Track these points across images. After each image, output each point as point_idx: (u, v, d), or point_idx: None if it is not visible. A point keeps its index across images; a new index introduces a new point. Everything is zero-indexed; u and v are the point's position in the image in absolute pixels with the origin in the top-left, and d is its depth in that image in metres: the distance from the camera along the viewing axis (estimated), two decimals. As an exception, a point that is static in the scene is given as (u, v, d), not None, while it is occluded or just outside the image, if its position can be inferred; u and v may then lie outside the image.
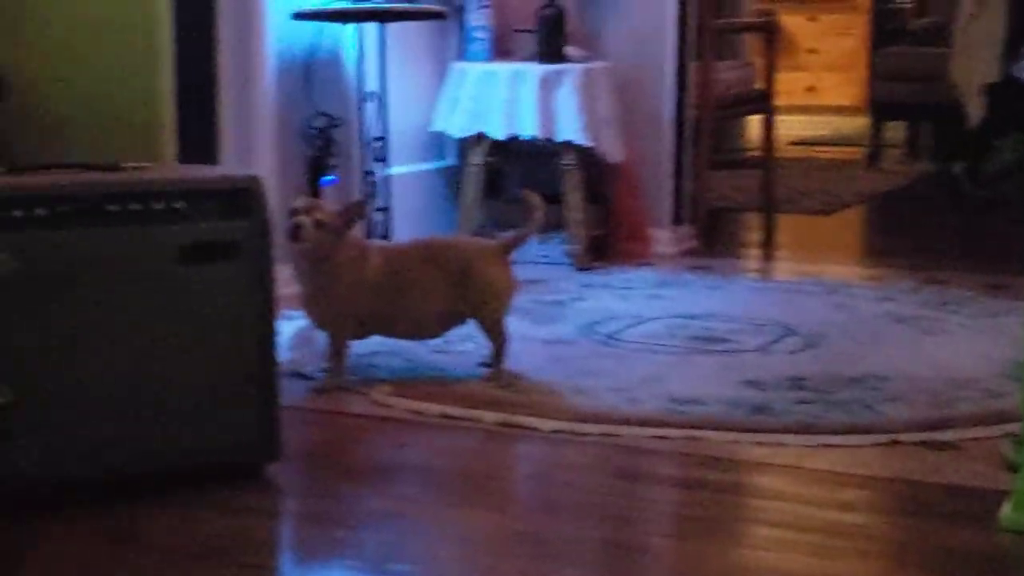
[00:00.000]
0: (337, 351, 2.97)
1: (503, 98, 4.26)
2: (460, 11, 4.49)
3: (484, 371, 3.06)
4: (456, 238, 3.42)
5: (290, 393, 2.85)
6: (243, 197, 2.38)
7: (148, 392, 2.28)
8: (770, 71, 5.16)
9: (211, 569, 2.02)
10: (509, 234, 3.13)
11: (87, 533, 2.13)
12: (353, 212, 2.94)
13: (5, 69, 2.86)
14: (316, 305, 2.95)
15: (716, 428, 2.65)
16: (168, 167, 2.70)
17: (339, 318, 2.95)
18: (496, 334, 3.04)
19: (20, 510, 1.81)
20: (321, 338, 3.05)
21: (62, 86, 2.86)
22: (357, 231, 3.08)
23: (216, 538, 2.14)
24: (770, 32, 5.20)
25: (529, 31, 4.41)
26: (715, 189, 5.91)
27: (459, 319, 3.05)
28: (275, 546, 2.23)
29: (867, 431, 2.62)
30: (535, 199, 3.12)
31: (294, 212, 2.88)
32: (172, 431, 2.31)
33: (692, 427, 2.65)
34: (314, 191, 3.90)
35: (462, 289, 2.99)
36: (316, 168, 3.90)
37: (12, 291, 2.15)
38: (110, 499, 2.24)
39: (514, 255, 3.11)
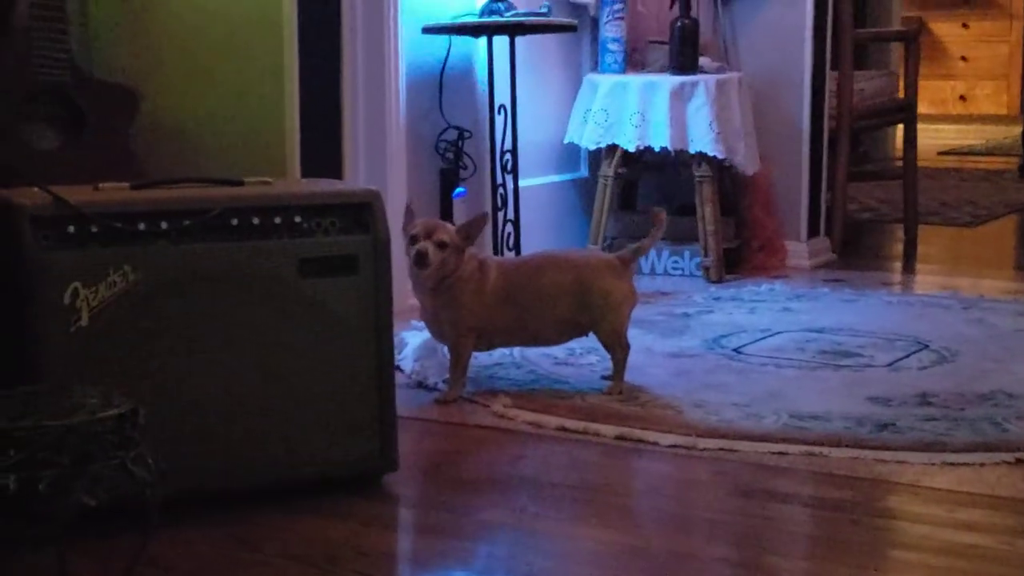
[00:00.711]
0: (458, 364, 2.99)
1: (635, 110, 4.26)
2: (593, 23, 4.49)
3: (606, 384, 3.05)
4: (575, 250, 3.42)
5: (411, 404, 2.90)
6: (363, 212, 2.41)
7: (268, 403, 2.33)
8: (913, 80, 5.05)
9: (326, 575, 2.06)
10: (628, 248, 3.13)
11: (206, 539, 2.19)
12: (474, 228, 2.96)
13: (136, 85, 2.97)
14: (438, 320, 2.99)
15: (837, 445, 2.60)
16: (290, 182, 2.76)
17: (461, 332, 2.98)
18: (615, 347, 3.03)
19: (140, 518, 1.87)
20: (444, 350, 3.08)
21: (190, 102, 2.96)
22: (479, 245, 3.11)
23: (334, 546, 2.17)
24: (911, 40, 5.08)
25: (663, 42, 4.40)
26: (856, 200, 5.81)
27: (579, 330, 3.05)
28: (391, 556, 2.25)
29: (992, 449, 2.54)
30: (661, 217, 3.11)
31: (414, 239, 2.90)
32: (291, 442, 2.35)
33: (813, 443, 2.61)
34: (445, 203, 3.94)
35: (581, 301, 3.00)
36: (447, 180, 3.95)
37: (135, 303, 2.22)
38: (230, 507, 2.29)
39: (635, 267, 3.10)
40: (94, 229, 2.21)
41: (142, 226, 2.24)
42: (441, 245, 2.89)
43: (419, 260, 2.87)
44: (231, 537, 2.20)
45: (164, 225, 2.25)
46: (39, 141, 2.91)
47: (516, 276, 3.03)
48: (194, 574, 2.06)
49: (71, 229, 2.19)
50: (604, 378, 3.10)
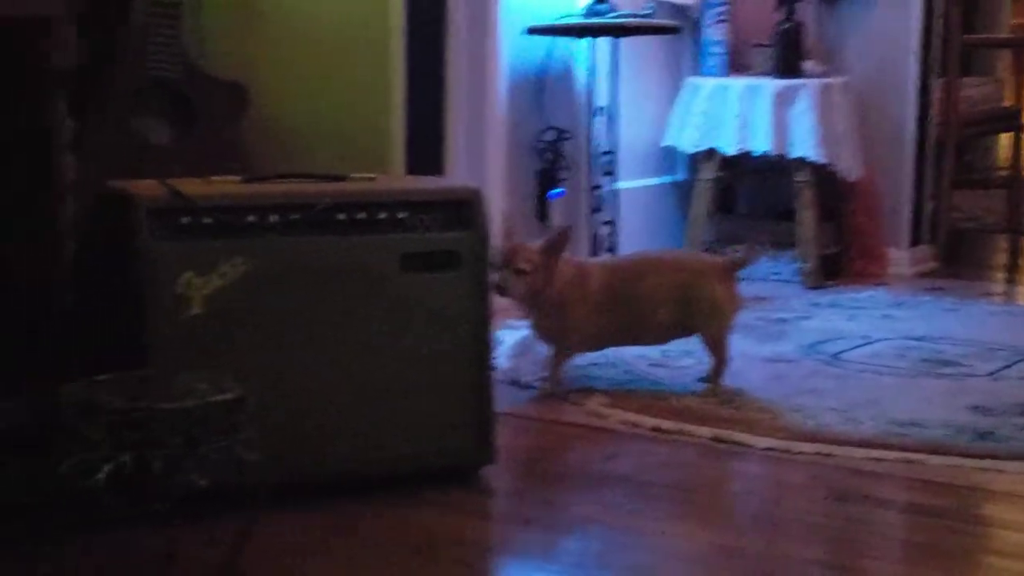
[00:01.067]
0: (558, 363, 3.02)
1: (736, 113, 4.25)
2: (695, 25, 4.49)
3: (702, 386, 3.06)
4: (684, 253, 3.42)
5: (507, 400, 2.93)
6: (465, 209, 2.45)
7: (369, 394, 2.37)
8: (1021, 88, 4.97)
9: (423, 565, 2.10)
10: (737, 254, 3.14)
11: (308, 524, 2.24)
12: (558, 244, 2.94)
13: (246, 82, 3.04)
14: (542, 327, 3.01)
15: (935, 452, 2.58)
16: (394, 178, 2.81)
17: (567, 337, 3.00)
18: (718, 351, 3.04)
19: (245, 501, 1.92)
20: (540, 348, 3.11)
21: (298, 100, 3.02)
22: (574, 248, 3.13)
23: (430, 536, 2.21)
24: (1021, 47, 5.00)
25: (766, 45, 4.38)
26: (960, 209, 5.73)
27: (683, 332, 3.06)
28: (487, 546, 2.28)
29: (1095, 461, 2.51)
30: (755, 248, 3.23)
31: (494, 266, 2.83)
32: (391, 433, 2.39)
33: (911, 450, 2.59)
34: (542, 204, 3.97)
35: (686, 305, 3.01)
36: (544, 181, 3.98)
37: (244, 293, 2.28)
38: (331, 494, 2.34)
39: (740, 273, 3.11)
40: (207, 221, 2.27)
41: (252, 219, 2.30)
42: (520, 272, 2.89)
43: (499, 291, 2.86)
44: (333, 523, 2.25)
45: (273, 218, 2.31)
46: (152, 135, 2.99)
47: (620, 279, 3.04)
48: (295, 557, 2.12)
49: (184, 220, 2.26)
50: (700, 380, 3.10)
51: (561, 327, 2.99)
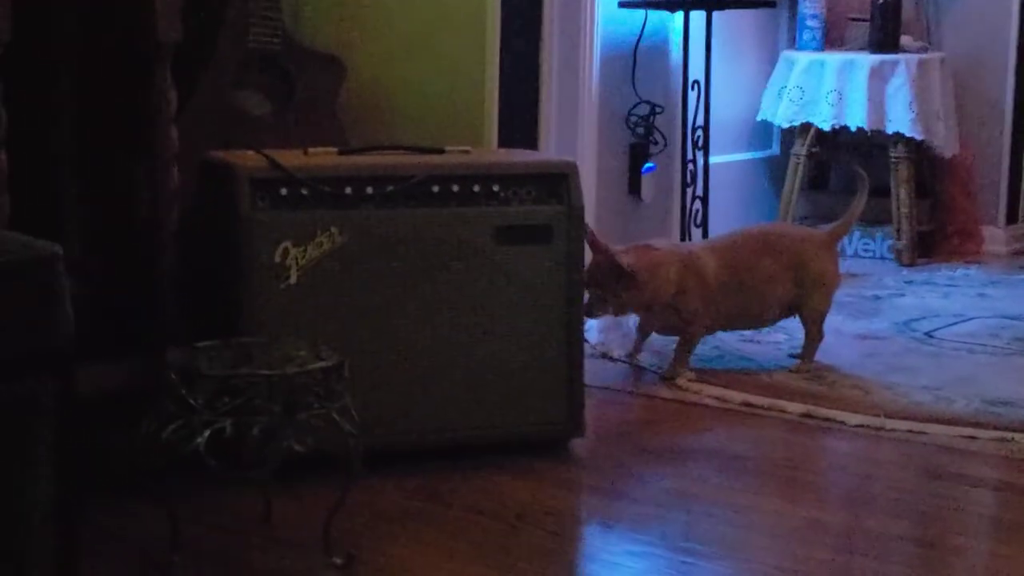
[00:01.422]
0: (686, 347, 2.96)
1: (832, 88, 4.21)
2: None
3: (793, 362, 3.05)
4: (787, 227, 3.38)
5: (597, 374, 2.95)
6: (558, 182, 2.47)
7: (461, 365, 2.41)
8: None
9: (513, 534, 2.13)
10: (835, 223, 3.12)
11: (401, 491, 2.28)
12: (593, 245, 2.79)
13: (342, 55, 3.07)
14: (661, 324, 2.99)
15: (1029, 432, 2.56)
16: (488, 152, 2.84)
17: (694, 323, 2.93)
18: (815, 327, 3.03)
19: (341, 468, 1.97)
20: (629, 323, 3.13)
21: (394, 73, 3.05)
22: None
23: (518, 504, 2.25)
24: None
25: (863, 20, 4.33)
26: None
27: (792, 310, 3.03)
28: (577, 516, 2.31)
29: None
30: (863, 180, 3.09)
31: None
32: (483, 403, 2.43)
33: (1005, 429, 2.57)
34: (634, 177, 3.97)
35: (797, 278, 2.98)
36: (636, 155, 3.98)
37: (340, 263, 2.33)
38: (424, 463, 2.39)
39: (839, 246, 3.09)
40: (304, 192, 2.32)
41: (348, 190, 2.34)
42: (601, 300, 2.82)
43: (588, 313, 2.79)
44: (424, 490, 2.29)
45: (369, 190, 2.35)
46: (252, 107, 3.04)
47: (736, 260, 2.98)
48: (389, 523, 2.16)
49: (283, 191, 2.31)
50: (791, 356, 3.10)
51: (688, 321, 2.93)
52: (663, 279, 2.87)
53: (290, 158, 2.37)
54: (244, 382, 1.87)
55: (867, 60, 4.17)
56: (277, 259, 2.29)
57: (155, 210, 2.34)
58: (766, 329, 3.22)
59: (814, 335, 3.03)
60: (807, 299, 3.00)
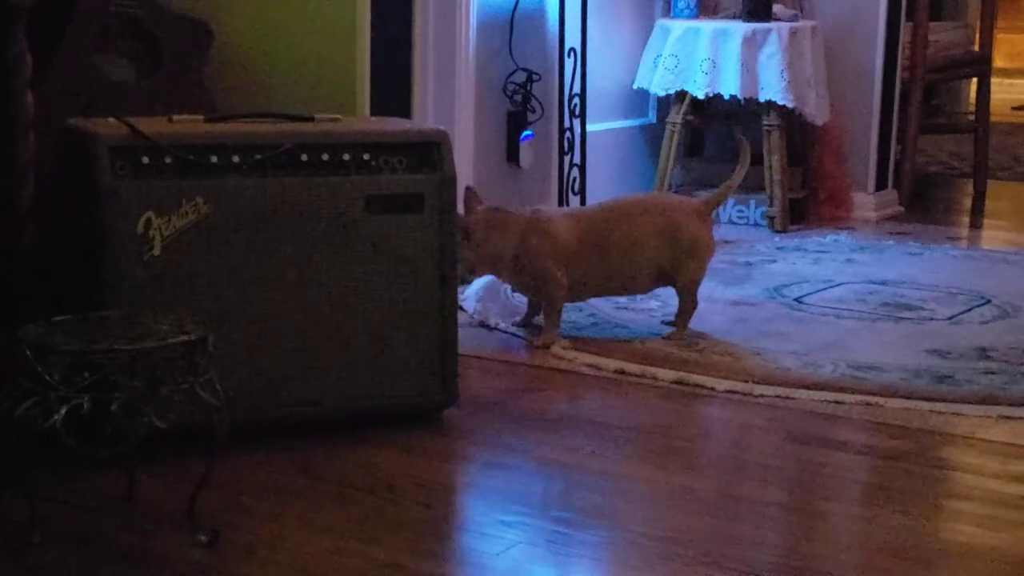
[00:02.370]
0: (549, 316, 2.99)
1: (706, 56, 4.24)
2: (666, -32, 4.47)
3: (667, 330, 3.08)
4: (662, 195, 3.40)
5: (473, 343, 2.94)
6: (430, 151, 2.45)
7: (332, 336, 2.38)
8: (988, 33, 4.98)
9: (381, 504, 2.11)
10: (711, 192, 3.14)
11: (270, 466, 2.25)
12: (466, 203, 2.93)
13: (209, 20, 3.00)
14: (520, 286, 3.03)
15: (893, 395, 2.61)
16: (359, 120, 2.79)
17: (545, 291, 2.97)
18: (688, 295, 3.05)
19: (206, 443, 1.93)
20: (506, 291, 3.12)
21: (261, 38, 2.99)
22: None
23: (389, 476, 2.23)
24: (990, -8, 5.01)
25: (736, -11, 4.37)
26: (927, 153, 5.76)
27: (665, 277, 3.04)
28: (450, 487, 2.30)
29: (1049, 406, 2.55)
30: (746, 148, 3.11)
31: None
32: (355, 375, 2.40)
33: (869, 393, 2.62)
34: (512, 145, 3.96)
35: (668, 246, 3.00)
36: (514, 123, 3.96)
37: (206, 234, 2.28)
38: (293, 436, 2.35)
39: (714, 214, 3.12)
40: (168, 160, 2.26)
41: (214, 159, 2.29)
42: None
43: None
44: (294, 464, 2.26)
45: (236, 158, 2.30)
46: (115, 73, 2.96)
47: (597, 224, 3.00)
48: (257, 499, 2.13)
49: (146, 160, 2.25)
50: (664, 323, 3.12)
51: (531, 277, 2.96)
52: (502, 238, 2.92)
53: (153, 125, 2.31)
54: (102, 357, 1.82)
55: (740, 28, 4.21)
56: (139, 230, 2.23)
57: (11, 180, 2.26)
58: (641, 297, 3.24)
59: (687, 303, 3.06)
60: (680, 267, 3.01)
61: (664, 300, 3.23)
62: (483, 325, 3.12)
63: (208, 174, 2.28)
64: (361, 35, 2.97)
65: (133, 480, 2.09)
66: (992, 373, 2.74)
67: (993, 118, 5.19)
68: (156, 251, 2.24)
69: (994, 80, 5.14)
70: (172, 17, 3.01)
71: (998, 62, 5.88)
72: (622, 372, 2.79)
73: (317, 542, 1.97)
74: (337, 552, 1.94)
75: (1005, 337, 3.01)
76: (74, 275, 2.31)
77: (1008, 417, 2.51)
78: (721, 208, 4.42)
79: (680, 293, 3.05)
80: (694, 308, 3.06)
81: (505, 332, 3.09)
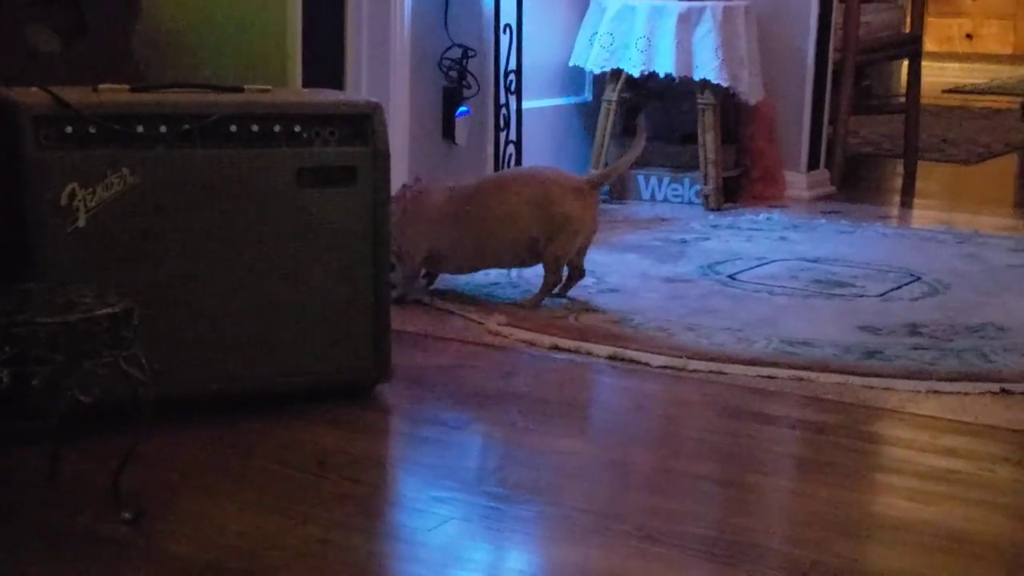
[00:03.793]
0: (403, 277, 3.07)
1: (642, 34, 4.23)
2: (601, -55, 4.45)
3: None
4: (543, 169, 3.41)
5: (405, 318, 2.92)
6: (363, 123, 2.41)
7: (263, 310, 2.35)
8: (919, 15, 5.02)
9: (312, 480, 2.09)
10: (597, 171, 3.15)
11: (198, 442, 2.22)
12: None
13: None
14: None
15: (825, 370, 2.62)
16: (290, 91, 2.76)
17: (402, 253, 3.04)
18: (552, 268, 3.05)
19: (132, 418, 1.90)
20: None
21: (190, 7, 2.94)
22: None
23: (324, 452, 2.20)
24: (921, -27, 5.05)
25: (670, -33, 4.36)
26: (858, 134, 5.81)
27: (536, 253, 3.06)
28: (381, 463, 2.28)
29: (978, 379, 2.57)
30: (641, 131, 3.14)
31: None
32: (285, 349, 2.37)
33: (801, 368, 2.63)
34: (448, 121, 3.93)
35: (540, 218, 3.01)
36: (450, 99, 3.94)
37: (132, 206, 2.23)
38: (222, 412, 2.32)
39: (599, 192, 3.15)
40: (92, 130, 2.21)
41: (140, 129, 2.24)
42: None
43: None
44: (222, 440, 2.23)
45: (163, 129, 2.26)
46: (40, 43, 2.90)
47: (469, 196, 3.05)
48: (184, 475, 2.09)
49: (69, 130, 2.20)
50: (554, 295, 3.11)
51: (399, 245, 3.00)
52: (395, 208, 2.96)
53: (78, 95, 2.26)
54: (24, 330, 1.78)
55: (675, 7, 4.21)
56: (64, 201, 2.18)
57: (-70, 149, 2.20)
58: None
59: (549, 280, 3.06)
60: (547, 241, 3.02)
61: (598, 276, 3.23)
62: (417, 301, 3.10)
63: (134, 144, 2.24)
64: (293, 5, 2.92)
65: (57, 456, 2.05)
66: (922, 349, 2.76)
67: (923, 101, 5.24)
68: (81, 223, 2.20)
69: (924, 64, 5.18)
70: (99, -14, 2.95)
71: (928, 46, 5.95)
72: (557, 348, 2.79)
73: (246, 519, 1.94)
74: (267, 528, 1.91)
75: (934, 314, 3.04)
76: (-4, 247, 2.25)
77: (938, 392, 2.53)
78: (656, 186, 4.43)
79: (544, 265, 3.06)
80: (557, 282, 3.07)
81: (439, 309, 3.07)
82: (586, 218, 3.05)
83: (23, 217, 2.17)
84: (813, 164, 4.63)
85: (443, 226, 3.03)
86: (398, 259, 3.03)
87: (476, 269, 3.17)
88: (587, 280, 3.22)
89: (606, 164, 4.37)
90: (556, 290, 3.12)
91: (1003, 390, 2.53)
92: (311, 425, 2.32)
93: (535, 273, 3.29)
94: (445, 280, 3.24)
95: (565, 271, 3.11)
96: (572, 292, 3.15)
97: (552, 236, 3.02)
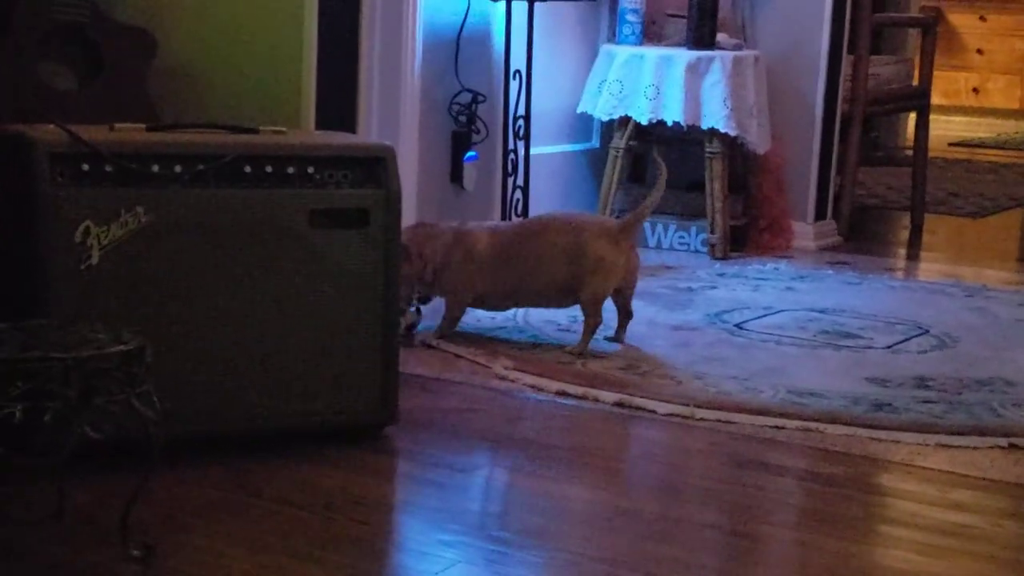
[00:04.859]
0: (448, 319, 3.14)
1: (650, 82, 4.25)
2: (612, -6, 4.49)
3: (611, 347, 3.11)
4: (577, 214, 3.44)
5: (413, 361, 2.92)
6: (376, 166, 2.43)
7: (273, 351, 2.35)
8: (928, 68, 5.05)
9: (319, 522, 2.08)
10: (629, 214, 3.18)
11: (206, 481, 2.21)
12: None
13: (153, 29, 2.97)
14: (436, 290, 3.17)
15: (833, 421, 2.62)
16: (304, 133, 2.77)
17: (453, 294, 3.11)
18: (592, 311, 3.09)
19: (141, 457, 1.89)
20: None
21: (206, 48, 2.96)
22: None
23: (328, 494, 2.20)
24: (929, 28, 5.08)
25: (681, 16, 4.39)
26: (865, 186, 5.82)
27: (573, 295, 3.11)
28: (387, 506, 2.28)
29: (986, 433, 2.57)
30: (662, 171, 3.19)
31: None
32: (294, 390, 2.37)
33: (809, 419, 2.63)
34: (456, 166, 3.95)
35: (572, 264, 3.07)
36: (458, 144, 3.96)
37: (146, 244, 2.24)
38: (230, 451, 2.32)
39: (635, 235, 3.21)
40: (108, 168, 2.23)
41: (156, 168, 2.26)
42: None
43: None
44: (230, 480, 2.23)
45: (178, 168, 2.27)
46: (56, 81, 2.92)
47: (509, 238, 3.12)
48: (192, 514, 2.09)
49: (85, 167, 2.21)
50: (606, 339, 3.15)
51: (442, 288, 3.10)
52: (432, 249, 3.06)
53: (94, 133, 2.27)
54: (37, 366, 1.78)
55: (684, 55, 4.23)
56: (78, 239, 2.19)
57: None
58: (581, 318, 3.22)
59: (589, 322, 3.10)
60: (583, 285, 3.07)
61: (606, 320, 3.23)
62: (424, 344, 3.10)
63: (149, 183, 2.25)
64: (307, 49, 2.95)
65: (64, 493, 2.04)
66: (930, 402, 2.76)
67: (930, 154, 5.26)
68: (94, 260, 2.20)
69: (931, 117, 5.21)
70: (116, 25, 2.98)
71: (935, 99, 5.96)
72: (564, 393, 2.79)
73: (253, 558, 1.94)
74: (273, 569, 1.91)
75: (942, 367, 3.04)
76: (10, 283, 2.26)
77: (946, 445, 2.52)
78: (663, 234, 4.44)
79: (582, 308, 3.10)
80: (597, 324, 3.11)
81: (446, 352, 3.07)
82: (619, 261, 3.08)
83: (37, 253, 2.18)
84: (820, 215, 4.64)
85: (488, 268, 3.09)
86: (445, 298, 3.13)
87: (510, 308, 3.26)
88: (608, 332, 3.21)
89: (612, 211, 4.38)
90: (612, 335, 3.17)
91: (1012, 445, 2.53)
92: (318, 466, 2.32)
93: (540, 317, 3.31)
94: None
95: (612, 312, 3.17)
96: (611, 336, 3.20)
97: (585, 280, 3.06)
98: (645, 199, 3.18)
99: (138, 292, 2.24)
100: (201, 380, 2.29)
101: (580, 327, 3.19)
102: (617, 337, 3.18)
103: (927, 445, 2.53)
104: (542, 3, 4.05)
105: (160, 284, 2.26)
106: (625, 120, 4.34)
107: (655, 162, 3.28)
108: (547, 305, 3.19)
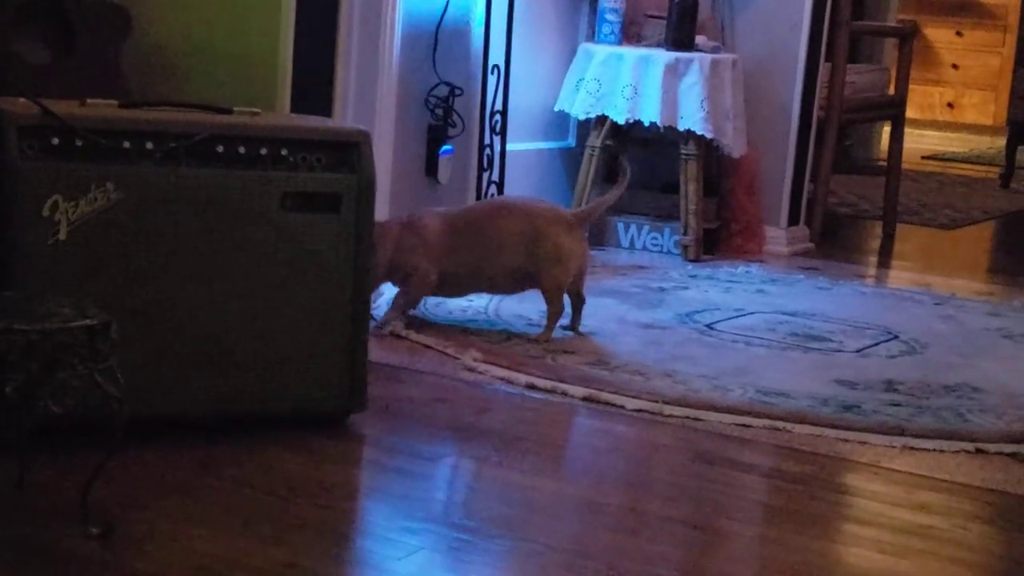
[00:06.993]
0: (401, 304, 3.14)
1: (628, 82, 4.25)
2: (592, -8, 4.49)
3: (567, 334, 3.14)
4: (532, 200, 3.42)
5: (384, 351, 2.90)
6: (351, 151, 2.41)
7: (240, 333, 2.33)
8: (904, 77, 5.07)
9: (281, 505, 2.07)
10: (585, 206, 3.20)
11: (169, 461, 2.19)
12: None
13: (129, 6, 2.94)
14: (393, 279, 3.16)
15: (800, 421, 2.62)
16: (278, 115, 2.75)
17: (410, 276, 3.10)
18: (553, 299, 3.11)
19: (104, 434, 1.87)
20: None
21: (182, 26, 2.93)
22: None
23: (292, 478, 2.18)
24: (906, 38, 5.10)
25: (661, 17, 4.39)
26: (838, 193, 5.84)
27: (530, 280, 3.13)
28: (352, 492, 2.26)
29: (953, 437, 2.57)
30: (625, 170, 3.21)
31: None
32: (261, 374, 2.35)
33: (777, 418, 2.63)
34: (431, 159, 3.93)
35: (529, 250, 3.08)
36: (434, 137, 3.94)
37: (115, 221, 2.22)
38: (195, 433, 2.30)
39: (587, 225, 3.27)
40: (79, 143, 2.20)
41: (127, 144, 2.23)
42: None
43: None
44: (194, 461, 2.21)
45: (149, 145, 2.25)
46: (30, 54, 2.89)
47: (463, 223, 3.14)
48: (154, 494, 2.07)
49: (55, 141, 2.19)
50: (562, 327, 3.17)
51: (404, 273, 3.09)
52: (382, 246, 3.04)
53: (66, 107, 2.25)
54: None
55: (663, 56, 4.23)
56: (46, 213, 2.17)
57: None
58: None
59: (552, 309, 3.12)
60: (542, 273, 3.09)
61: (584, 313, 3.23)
62: (393, 334, 3.09)
63: (120, 160, 2.22)
64: (284, 31, 2.92)
65: (25, 468, 2.02)
66: (898, 405, 2.77)
67: (903, 165, 5.27)
68: (62, 235, 2.18)
69: (906, 130, 5.23)
70: (91, 1, 2.94)
71: (910, 113, 5.99)
72: (533, 387, 2.77)
73: (214, 539, 1.92)
74: (234, 550, 1.89)
75: (911, 372, 3.04)
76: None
77: (913, 448, 2.53)
78: (636, 234, 4.44)
79: (544, 297, 3.12)
80: (560, 312, 3.13)
81: (416, 342, 3.05)
82: (576, 249, 3.12)
83: (3, 226, 2.16)
84: (793, 220, 4.65)
85: (442, 249, 3.10)
86: (407, 289, 3.11)
87: (473, 292, 3.24)
88: (564, 320, 3.21)
89: (587, 209, 4.37)
90: (566, 323, 3.18)
91: (978, 450, 2.53)
92: (283, 451, 2.30)
93: (511, 312, 3.30)
94: (423, 313, 3.24)
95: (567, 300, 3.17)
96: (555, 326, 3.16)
97: (545, 268, 3.08)
98: (605, 194, 3.20)
99: (106, 269, 2.22)
100: (166, 360, 2.27)
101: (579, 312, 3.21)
102: (572, 325, 3.20)
103: (894, 447, 2.53)
104: (522, -2, 4.04)
105: (128, 262, 2.23)
106: (602, 119, 4.33)
107: (620, 164, 3.30)
108: (501, 291, 3.22)
